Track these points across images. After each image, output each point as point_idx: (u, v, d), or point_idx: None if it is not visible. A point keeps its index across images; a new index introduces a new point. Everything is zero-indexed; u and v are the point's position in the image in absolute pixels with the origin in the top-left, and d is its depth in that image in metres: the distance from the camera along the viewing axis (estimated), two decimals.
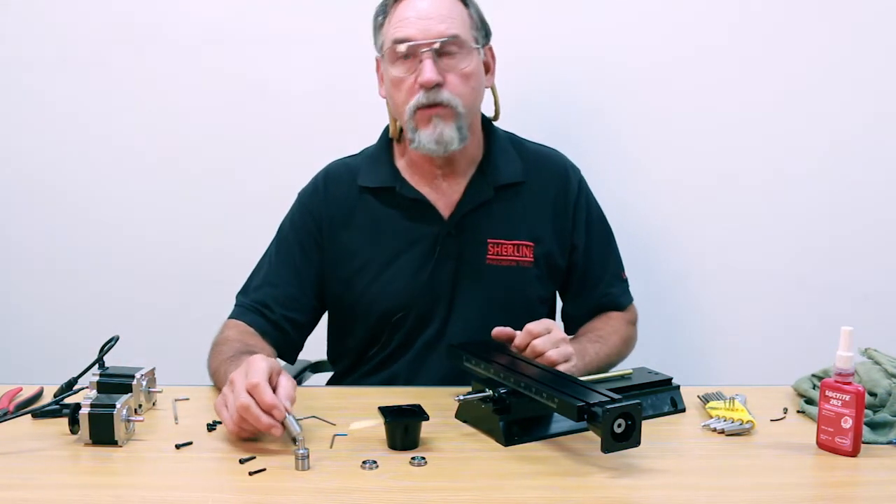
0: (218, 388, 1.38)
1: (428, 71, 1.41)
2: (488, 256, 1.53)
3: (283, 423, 1.12)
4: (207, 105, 2.01)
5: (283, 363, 1.50)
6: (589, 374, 1.35)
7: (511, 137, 1.63)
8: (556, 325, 1.33)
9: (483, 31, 1.51)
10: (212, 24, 1.99)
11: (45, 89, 2.03)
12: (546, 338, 1.30)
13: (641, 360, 1.43)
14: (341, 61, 1.84)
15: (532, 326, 1.31)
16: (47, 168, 2.06)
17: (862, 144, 1.97)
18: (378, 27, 1.50)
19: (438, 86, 1.42)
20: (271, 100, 2.01)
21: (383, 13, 1.49)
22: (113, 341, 1.28)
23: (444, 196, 1.54)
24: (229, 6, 1.99)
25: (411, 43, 1.42)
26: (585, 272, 1.62)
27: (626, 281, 1.67)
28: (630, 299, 1.67)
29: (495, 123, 1.61)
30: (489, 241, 1.53)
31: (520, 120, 1.71)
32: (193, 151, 2.04)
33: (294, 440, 1.11)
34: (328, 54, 1.94)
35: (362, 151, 1.63)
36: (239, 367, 1.18)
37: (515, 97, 1.76)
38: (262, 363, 1.16)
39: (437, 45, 1.42)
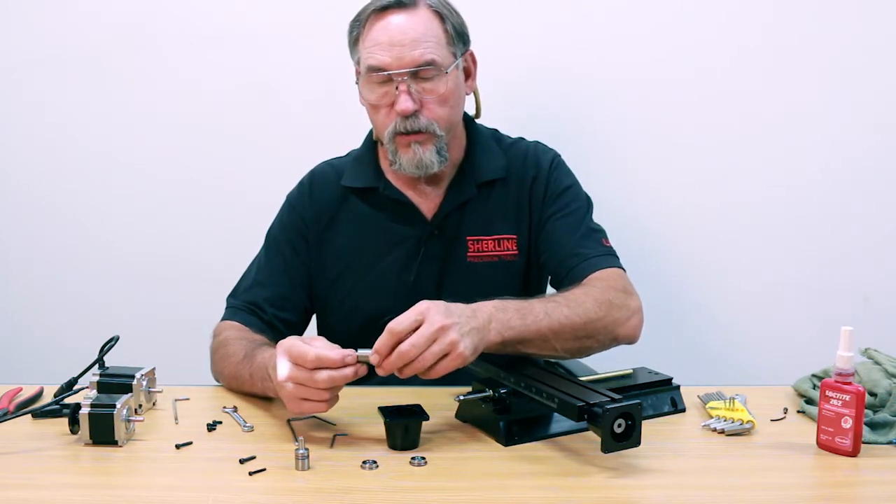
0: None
1: (403, 101, 1.40)
2: (468, 254, 1.52)
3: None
4: (211, 105, 2.01)
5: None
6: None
7: (494, 134, 1.62)
8: (436, 308, 1.15)
9: (461, 40, 1.47)
10: (210, 25, 1.99)
11: (43, 90, 2.03)
12: (418, 335, 1.11)
13: (641, 360, 1.43)
14: (339, 62, 1.83)
15: (395, 324, 1.13)
16: (46, 169, 2.06)
17: (862, 145, 1.97)
18: (353, 42, 1.48)
19: (416, 112, 1.42)
20: (273, 102, 2.01)
21: (358, 27, 1.46)
22: (113, 341, 1.29)
23: (427, 197, 1.54)
24: (227, 7, 1.99)
25: (385, 72, 1.41)
26: (552, 241, 1.51)
27: (608, 248, 1.51)
28: (612, 263, 1.48)
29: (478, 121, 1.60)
30: (468, 238, 1.52)
31: (516, 122, 1.70)
32: (194, 152, 2.04)
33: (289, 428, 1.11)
34: (326, 55, 1.93)
35: (349, 153, 1.62)
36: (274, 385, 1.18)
37: (509, 99, 1.76)
38: (279, 356, 1.16)
39: (412, 71, 1.40)
